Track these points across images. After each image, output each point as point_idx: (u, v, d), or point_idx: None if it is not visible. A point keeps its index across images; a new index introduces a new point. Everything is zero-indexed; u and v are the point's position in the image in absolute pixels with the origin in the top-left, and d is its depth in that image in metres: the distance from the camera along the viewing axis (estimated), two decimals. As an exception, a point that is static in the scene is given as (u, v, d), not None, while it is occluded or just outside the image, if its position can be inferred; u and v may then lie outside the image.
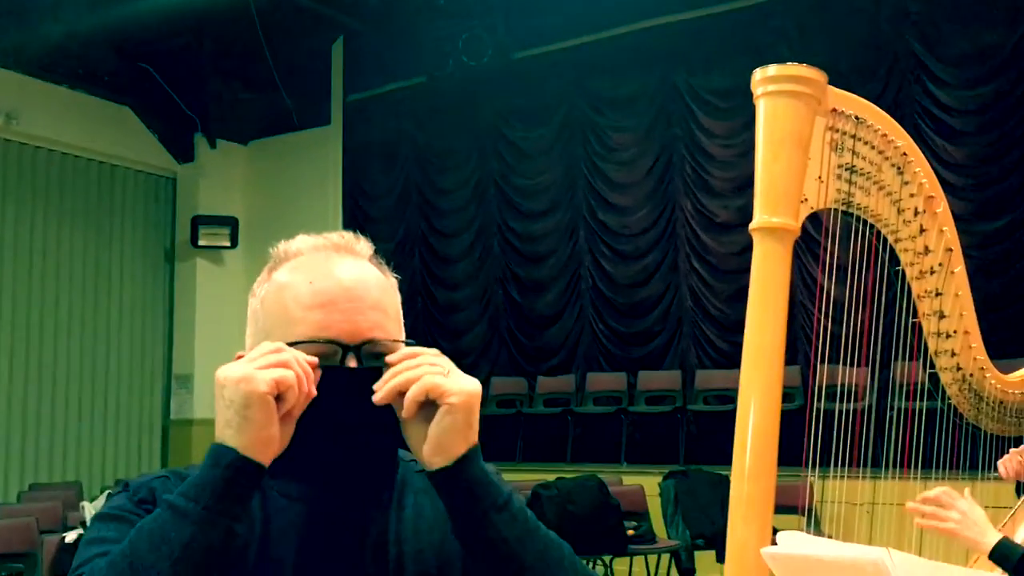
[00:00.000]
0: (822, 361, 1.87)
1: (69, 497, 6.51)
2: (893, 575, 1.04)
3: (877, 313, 1.80)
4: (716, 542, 5.13)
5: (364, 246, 1.12)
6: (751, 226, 1.64)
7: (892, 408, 1.96)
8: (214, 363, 1.00)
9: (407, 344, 1.07)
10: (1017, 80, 6.81)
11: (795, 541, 1.22)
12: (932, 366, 1.87)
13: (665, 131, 8.24)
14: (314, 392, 0.97)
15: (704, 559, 5.61)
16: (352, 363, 1.01)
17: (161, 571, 0.88)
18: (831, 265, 1.73)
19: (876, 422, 1.93)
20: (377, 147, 9.54)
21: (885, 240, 1.73)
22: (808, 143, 1.61)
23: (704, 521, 5.61)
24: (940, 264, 1.75)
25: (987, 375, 1.93)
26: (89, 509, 5.50)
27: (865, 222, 1.70)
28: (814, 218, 1.69)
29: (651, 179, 8.32)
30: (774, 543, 1.27)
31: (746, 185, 1.59)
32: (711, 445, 6.91)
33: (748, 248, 1.69)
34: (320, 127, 9.69)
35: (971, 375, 1.91)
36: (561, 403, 8.26)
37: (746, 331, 1.68)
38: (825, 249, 1.68)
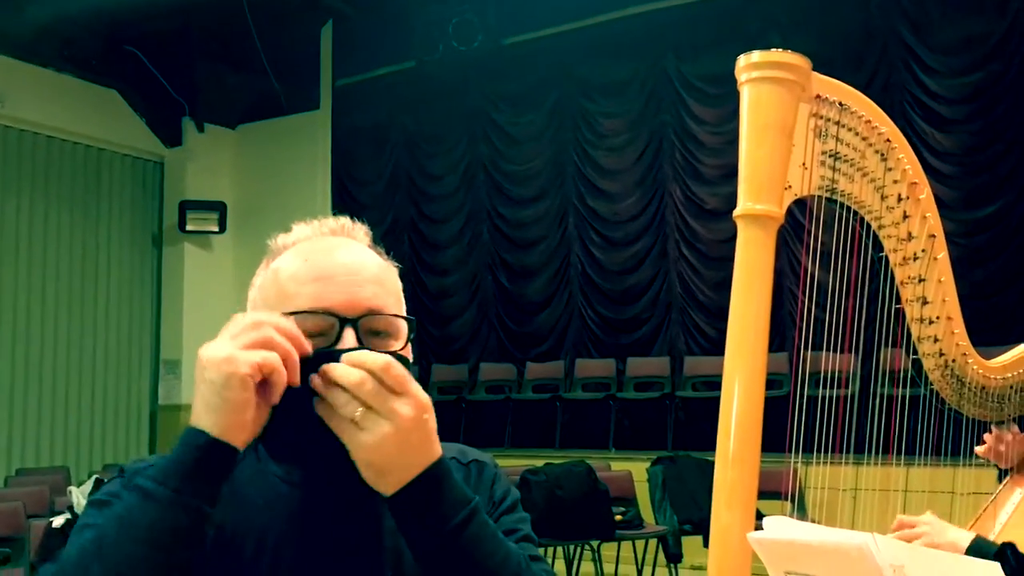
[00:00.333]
0: (807, 347, 1.88)
1: (56, 482, 6.50)
2: (878, 559, 1.05)
3: (861, 300, 1.81)
4: (703, 528, 5.16)
5: (362, 231, 1.11)
6: (735, 213, 1.64)
7: (875, 394, 1.97)
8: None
9: (408, 320, 1.05)
10: (1006, 68, 6.83)
11: (781, 526, 1.23)
12: (915, 352, 1.88)
13: (655, 118, 8.24)
14: (298, 382, 0.94)
15: (691, 544, 5.64)
16: (350, 336, 0.99)
17: (128, 553, 0.87)
18: (815, 252, 1.74)
19: (859, 408, 1.94)
20: (366, 132, 9.51)
21: (869, 227, 1.73)
22: (792, 130, 1.60)
23: (692, 507, 5.64)
24: (923, 250, 1.75)
25: (969, 360, 1.94)
26: (76, 494, 5.49)
27: (849, 209, 1.70)
28: (801, 205, 1.70)
29: (641, 166, 8.32)
30: (758, 528, 1.27)
31: (735, 172, 1.59)
32: (699, 431, 6.95)
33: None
34: (309, 112, 9.66)
35: (953, 361, 1.92)
36: (550, 389, 8.28)
37: (730, 318, 1.68)
38: (809, 233, 1.68)
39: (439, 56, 8.63)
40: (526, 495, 5.42)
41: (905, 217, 1.72)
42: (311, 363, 0.96)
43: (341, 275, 1.02)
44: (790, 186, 1.62)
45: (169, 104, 9.49)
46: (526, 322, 8.79)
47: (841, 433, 1.88)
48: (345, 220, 1.11)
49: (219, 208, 9.54)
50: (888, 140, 1.70)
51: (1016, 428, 2.18)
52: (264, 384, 0.93)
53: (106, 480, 1.08)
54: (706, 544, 1.75)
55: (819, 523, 1.40)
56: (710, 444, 1.72)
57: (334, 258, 1.04)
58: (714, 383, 7.36)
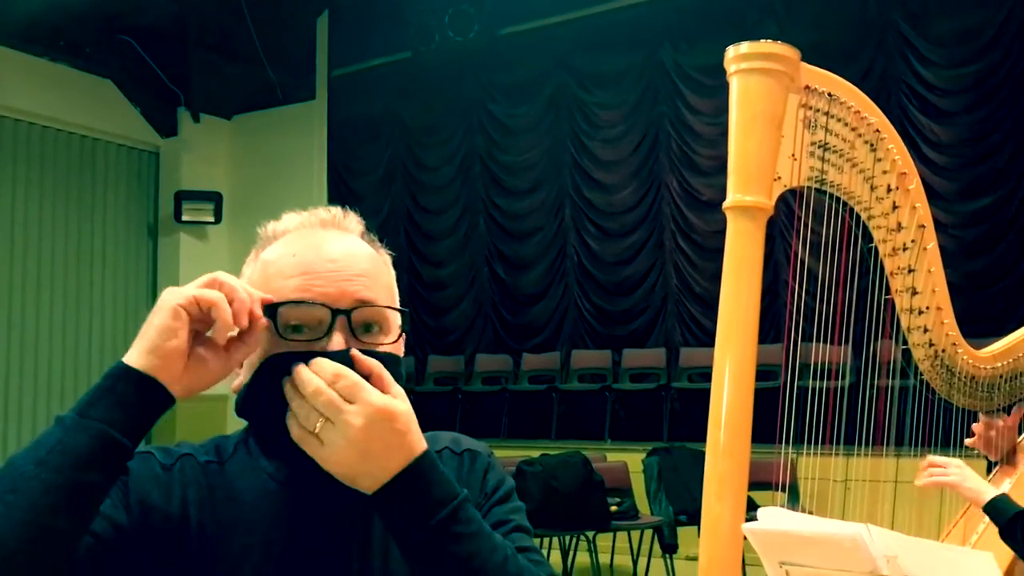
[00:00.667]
0: (799, 338, 1.88)
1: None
2: (871, 549, 1.05)
3: (851, 291, 1.81)
4: (698, 518, 5.16)
5: (353, 222, 1.09)
6: (724, 205, 1.64)
7: (866, 385, 1.97)
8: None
9: (401, 313, 1.03)
10: (1003, 60, 6.83)
11: (774, 517, 1.23)
12: (905, 342, 1.89)
13: (651, 109, 8.23)
14: (245, 324, 0.93)
15: (686, 535, 5.66)
16: (340, 329, 0.97)
17: (25, 472, 0.85)
18: (806, 243, 1.74)
19: (850, 399, 1.94)
20: (362, 123, 9.49)
21: (859, 217, 1.73)
22: (781, 121, 1.60)
23: (687, 497, 5.65)
24: (913, 240, 1.75)
25: (959, 350, 1.95)
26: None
27: (839, 199, 1.70)
28: (797, 195, 1.70)
29: (637, 157, 8.31)
30: (750, 519, 1.28)
31: (732, 164, 1.60)
32: (694, 422, 6.93)
33: (734, 227, 1.68)
34: (305, 102, 9.63)
35: (943, 351, 1.92)
36: (546, 380, 8.29)
37: (719, 309, 1.68)
38: (805, 225, 1.68)
39: (435, 46, 8.60)
40: (522, 486, 5.42)
41: (894, 207, 1.72)
42: (286, 361, 0.95)
43: (330, 269, 1.00)
44: (779, 177, 1.62)
45: (164, 94, 9.45)
46: (522, 313, 8.79)
47: (832, 424, 1.88)
48: (337, 210, 1.09)
49: (215, 198, 9.52)
50: (877, 130, 1.70)
51: (1006, 417, 2.18)
52: (220, 347, 0.93)
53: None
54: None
55: (811, 513, 1.40)
56: (705, 435, 1.72)
57: (323, 252, 1.02)
58: (709, 374, 7.26)
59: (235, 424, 1.05)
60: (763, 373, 1.90)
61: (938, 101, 7.03)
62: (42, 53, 8.76)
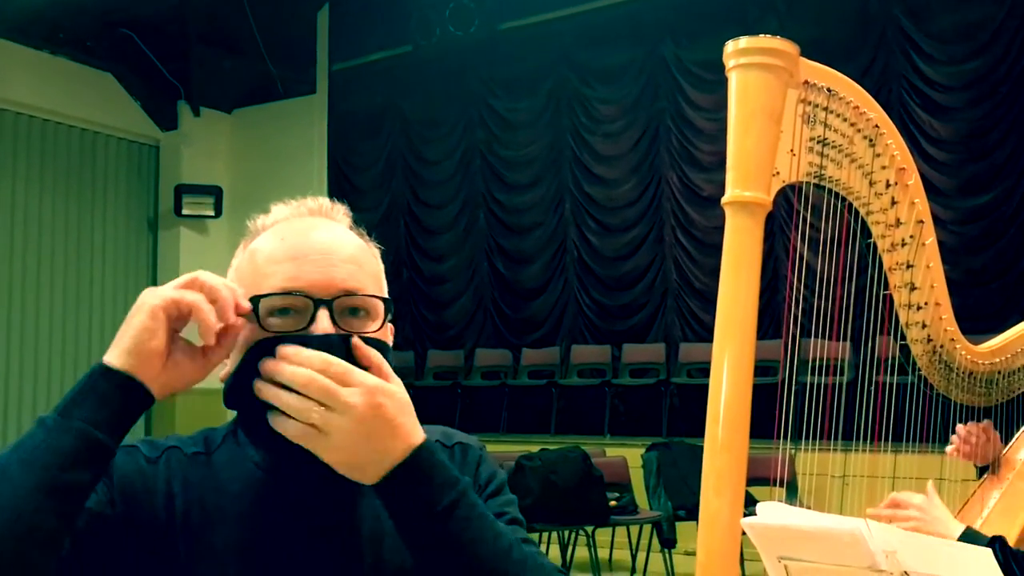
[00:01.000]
0: (798, 334, 1.88)
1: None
2: (871, 544, 1.05)
3: (849, 287, 1.81)
4: (697, 513, 5.17)
5: (341, 212, 1.09)
6: (723, 200, 1.63)
7: (865, 380, 1.97)
8: (197, 334, 0.98)
9: (385, 302, 1.03)
10: (1003, 56, 6.82)
11: (774, 511, 1.23)
12: (903, 338, 1.88)
13: (652, 104, 8.23)
14: (231, 320, 0.94)
15: (685, 530, 5.66)
16: (324, 318, 0.97)
17: (8, 473, 0.86)
18: (804, 239, 1.74)
19: (848, 394, 1.94)
20: (362, 117, 9.48)
21: (857, 213, 1.73)
22: (780, 116, 1.60)
23: (686, 492, 5.65)
24: (911, 236, 1.75)
25: (957, 346, 1.95)
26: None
27: (838, 195, 1.70)
28: (796, 191, 1.69)
29: (637, 152, 8.31)
30: (748, 514, 1.28)
31: (732, 159, 1.59)
32: (694, 417, 6.93)
33: (735, 222, 1.67)
34: (305, 96, 9.62)
35: (942, 346, 1.92)
36: (545, 375, 8.29)
37: (718, 305, 1.68)
38: (804, 220, 1.68)
39: (436, 41, 8.59)
40: (521, 480, 5.43)
41: (893, 203, 1.72)
42: (262, 349, 0.95)
43: (316, 254, 1.00)
44: (778, 172, 1.61)
45: (165, 87, 9.44)
46: (522, 308, 8.79)
47: (830, 419, 1.88)
48: (324, 200, 1.09)
49: (215, 192, 9.51)
50: (876, 126, 1.70)
51: (988, 423, 2.16)
52: (199, 349, 0.93)
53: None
54: (701, 530, 1.76)
55: (809, 509, 1.40)
56: (705, 430, 1.73)
57: (310, 238, 1.02)
58: (709, 370, 7.33)
59: (232, 417, 1.05)
60: (762, 369, 1.90)
61: (938, 97, 7.03)
62: (42, 46, 8.75)
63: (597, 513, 5.56)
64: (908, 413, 2.03)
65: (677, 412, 7.53)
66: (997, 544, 1.82)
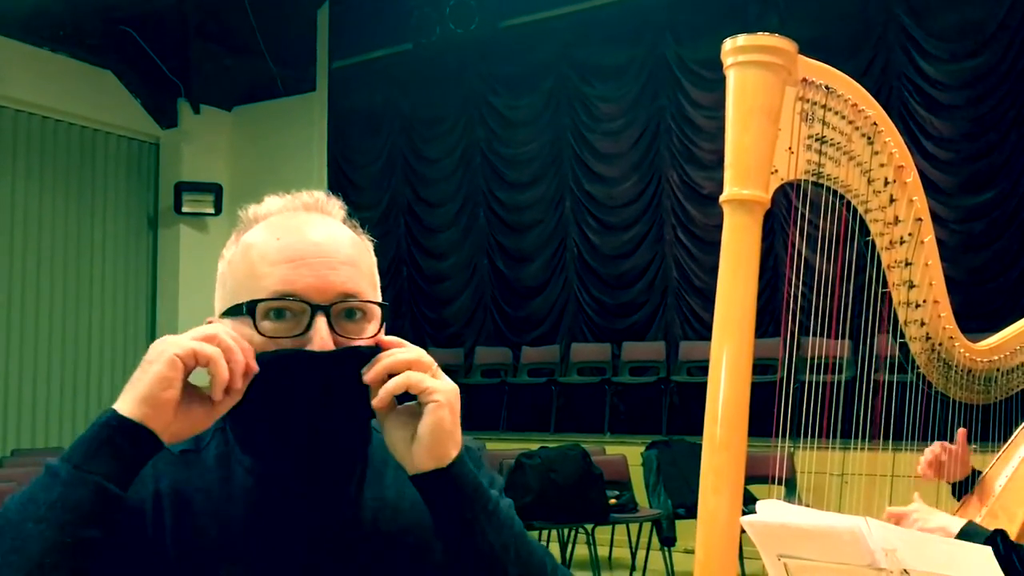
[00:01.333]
0: (797, 332, 1.88)
1: (47, 460, 6.51)
2: (870, 542, 1.05)
3: (848, 285, 1.81)
4: (697, 511, 5.17)
5: (336, 206, 1.07)
6: (721, 198, 1.63)
7: (864, 378, 1.97)
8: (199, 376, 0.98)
9: (382, 306, 1.02)
10: (1004, 54, 6.81)
11: (773, 509, 1.23)
12: (902, 336, 1.88)
13: (652, 102, 8.22)
14: (239, 387, 0.93)
15: (685, 528, 5.65)
16: (322, 325, 0.96)
17: (26, 533, 0.84)
18: (803, 237, 1.74)
19: (847, 392, 1.94)
20: (362, 114, 9.48)
21: (856, 211, 1.72)
22: (778, 114, 1.60)
23: (686, 491, 5.65)
24: (910, 234, 1.75)
25: (956, 344, 1.95)
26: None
27: (836, 193, 1.70)
28: (795, 189, 1.69)
29: (637, 150, 8.30)
30: (747, 512, 1.28)
31: (732, 157, 1.58)
32: (694, 416, 6.90)
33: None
34: (305, 94, 9.62)
35: (940, 344, 1.92)
36: (545, 373, 8.29)
37: (716, 303, 1.68)
38: (803, 217, 1.68)
39: (436, 39, 8.59)
40: (521, 478, 5.43)
41: (892, 201, 1.72)
42: (280, 362, 0.95)
43: (314, 257, 0.99)
44: (776, 170, 1.61)
45: (165, 85, 9.44)
46: (522, 306, 8.79)
47: (829, 418, 1.88)
48: (320, 194, 1.07)
49: (215, 190, 9.51)
50: (875, 123, 1.70)
51: (962, 431, 2.15)
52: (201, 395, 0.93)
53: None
54: (700, 528, 1.76)
55: (808, 507, 1.40)
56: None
57: (307, 237, 1.01)
58: (709, 368, 7.36)
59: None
60: (761, 367, 1.90)
61: (939, 95, 7.02)
62: (42, 43, 8.74)
63: (597, 511, 5.56)
64: (907, 411, 2.03)
65: (677, 410, 7.53)
66: (998, 537, 1.82)
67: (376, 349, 0.99)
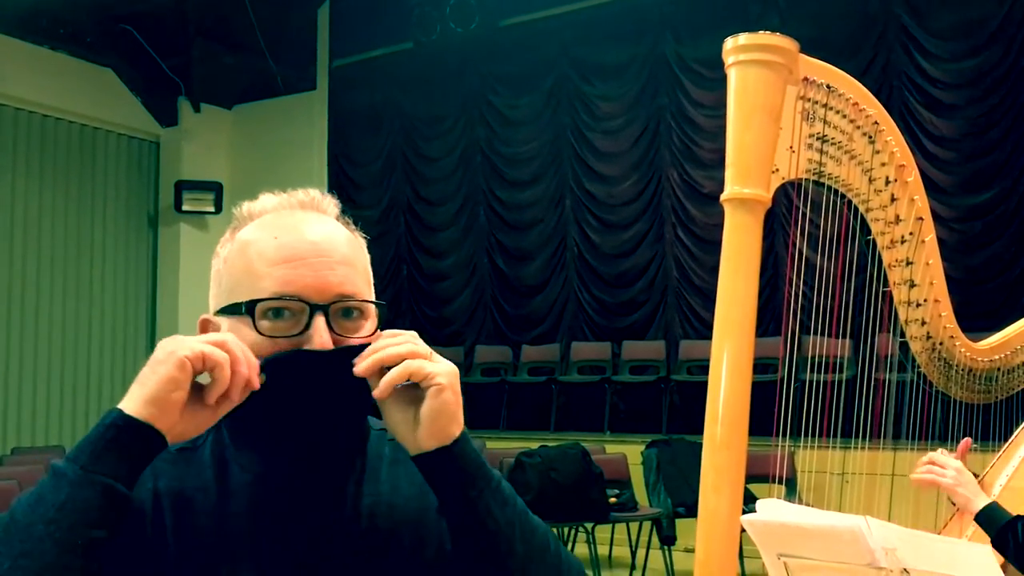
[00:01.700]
0: (798, 332, 1.88)
1: (52, 461, 6.51)
2: (870, 542, 1.05)
3: (849, 284, 1.80)
4: (697, 510, 5.17)
5: (330, 204, 1.08)
6: (722, 197, 1.63)
7: (864, 377, 1.97)
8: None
9: (378, 305, 1.03)
10: (1005, 54, 6.81)
11: (774, 508, 1.23)
12: (903, 335, 1.88)
13: (652, 101, 8.22)
14: (236, 400, 0.93)
15: (685, 527, 5.66)
16: (321, 324, 0.97)
17: (36, 534, 0.85)
18: (804, 236, 1.73)
19: (848, 392, 1.94)
20: (363, 113, 9.48)
21: (857, 210, 1.72)
22: (779, 113, 1.59)
23: (685, 490, 5.65)
24: (911, 233, 1.75)
25: (956, 343, 1.94)
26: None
27: (837, 192, 1.69)
28: (796, 188, 1.69)
29: (638, 149, 8.30)
30: (747, 511, 1.28)
31: (732, 156, 1.58)
32: (694, 415, 6.92)
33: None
34: (305, 92, 9.62)
35: (941, 343, 1.92)
36: (545, 372, 8.29)
37: (717, 302, 1.68)
38: (805, 217, 1.67)
39: (436, 37, 8.59)
40: (521, 477, 5.43)
41: (893, 200, 1.72)
42: (287, 361, 0.96)
43: (311, 257, 1.00)
44: (777, 169, 1.61)
45: (165, 83, 9.44)
46: (522, 305, 8.79)
47: (830, 417, 1.88)
48: (315, 192, 1.08)
49: (215, 188, 9.51)
50: (876, 123, 1.70)
51: (967, 440, 2.14)
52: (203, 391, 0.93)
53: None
54: (700, 527, 1.76)
55: (808, 506, 1.40)
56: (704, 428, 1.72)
57: (304, 237, 1.01)
58: (709, 367, 7.35)
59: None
60: (761, 366, 1.90)
61: (940, 95, 7.02)
62: (43, 42, 8.74)
63: (597, 510, 5.56)
64: (907, 410, 2.02)
65: (677, 409, 7.53)
66: (1020, 522, 1.82)
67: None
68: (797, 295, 1.78)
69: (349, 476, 1.04)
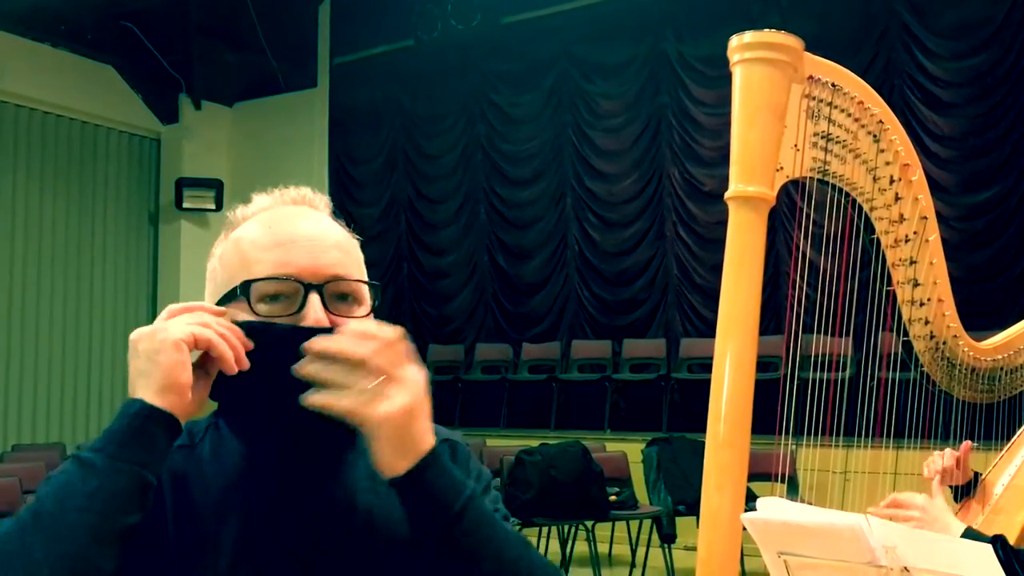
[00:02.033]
0: (800, 330, 1.88)
1: (52, 458, 6.51)
2: (871, 540, 1.05)
3: (853, 283, 1.80)
4: (697, 509, 5.15)
5: (323, 202, 1.09)
6: (726, 195, 1.63)
7: (867, 377, 1.97)
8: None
9: (372, 286, 1.04)
10: (1006, 53, 6.81)
11: (774, 507, 1.23)
12: (906, 334, 1.88)
13: (653, 99, 8.22)
14: (235, 368, 0.94)
15: (685, 525, 5.66)
16: (316, 303, 0.98)
17: (69, 522, 0.86)
18: (807, 235, 1.73)
19: (850, 391, 1.94)
20: (363, 110, 9.48)
21: (861, 208, 1.72)
22: (784, 111, 1.59)
23: (686, 488, 5.65)
24: (915, 232, 1.75)
25: (960, 343, 1.94)
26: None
27: (841, 190, 1.69)
28: (799, 186, 1.69)
29: (639, 147, 8.30)
30: (749, 510, 1.27)
31: (734, 154, 1.58)
32: (694, 413, 6.93)
33: (735, 218, 1.66)
34: (306, 89, 9.62)
35: (944, 342, 1.92)
36: (546, 370, 8.29)
37: (720, 300, 1.68)
38: (807, 216, 1.67)
39: (437, 35, 8.59)
40: (521, 475, 5.44)
41: (897, 199, 1.72)
42: (283, 340, 0.95)
43: (304, 240, 1.01)
44: (781, 168, 1.61)
45: (166, 81, 9.43)
46: (523, 303, 8.79)
47: (832, 415, 1.88)
48: (306, 190, 1.09)
49: (216, 186, 9.51)
50: (881, 121, 1.69)
51: (967, 444, 2.14)
52: (205, 364, 0.94)
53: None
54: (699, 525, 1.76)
55: (810, 505, 1.40)
56: (705, 426, 1.72)
57: (297, 225, 1.03)
58: (710, 365, 7.26)
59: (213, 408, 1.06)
60: (764, 364, 1.89)
61: (941, 93, 7.02)
62: (43, 39, 8.74)
63: (597, 508, 5.56)
64: (910, 409, 2.02)
65: (677, 407, 7.53)
66: (998, 543, 1.82)
67: None
68: (800, 294, 1.78)
69: (340, 464, 1.04)
